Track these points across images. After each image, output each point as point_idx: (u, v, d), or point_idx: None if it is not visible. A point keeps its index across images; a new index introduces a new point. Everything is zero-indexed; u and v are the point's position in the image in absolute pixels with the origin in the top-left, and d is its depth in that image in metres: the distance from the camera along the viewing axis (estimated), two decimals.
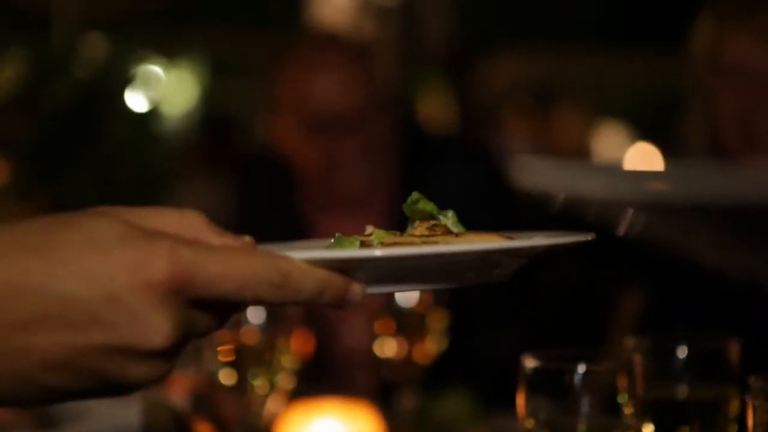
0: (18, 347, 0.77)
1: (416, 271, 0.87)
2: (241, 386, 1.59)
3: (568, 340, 1.24)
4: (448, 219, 0.93)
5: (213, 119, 5.10)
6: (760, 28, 1.93)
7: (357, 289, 0.84)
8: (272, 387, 1.60)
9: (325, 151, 2.46)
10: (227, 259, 0.79)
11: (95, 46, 3.76)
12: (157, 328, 0.78)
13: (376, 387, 2.17)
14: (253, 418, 1.61)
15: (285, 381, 1.61)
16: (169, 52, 4.21)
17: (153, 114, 3.72)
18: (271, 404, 1.61)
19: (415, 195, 0.93)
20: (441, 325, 1.80)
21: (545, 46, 7.87)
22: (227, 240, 0.83)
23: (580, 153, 6.30)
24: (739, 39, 1.93)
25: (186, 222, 0.83)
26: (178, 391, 1.77)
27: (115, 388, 0.81)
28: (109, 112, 3.56)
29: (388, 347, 1.78)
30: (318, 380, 2.06)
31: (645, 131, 6.92)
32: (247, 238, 0.84)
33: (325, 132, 2.45)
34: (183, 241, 0.79)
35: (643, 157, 6.54)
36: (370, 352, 1.80)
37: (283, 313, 1.62)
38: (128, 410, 1.70)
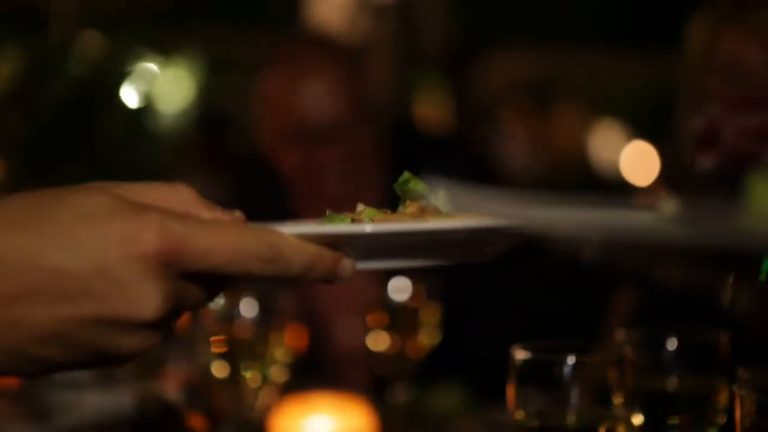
0: (10, 320, 0.78)
1: (406, 247, 0.87)
2: (234, 379, 1.60)
3: (563, 334, 1.24)
4: (439, 199, 0.93)
5: (209, 117, 5.10)
6: (755, 27, 1.93)
7: (347, 264, 0.84)
8: (265, 380, 1.61)
9: (307, 161, 2.44)
10: (217, 233, 0.80)
11: (91, 44, 3.76)
12: (147, 299, 0.78)
13: (368, 381, 2.17)
14: (246, 411, 1.61)
15: (278, 374, 1.62)
16: (165, 49, 4.21)
17: (149, 111, 3.73)
18: (264, 397, 1.61)
19: (406, 174, 0.93)
20: (433, 320, 1.80)
21: (543, 45, 7.87)
22: (217, 214, 0.83)
23: (578, 151, 6.30)
24: (734, 37, 1.93)
25: (176, 196, 0.83)
26: (171, 384, 1.77)
27: (107, 359, 0.82)
28: (105, 109, 3.57)
29: (380, 341, 1.79)
30: (311, 374, 2.06)
31: (643, 130, 6.93)
32: (238, 213, 0.84)
33: (305, 142, 2.43)
34: (173, 214, 0.80)
35: (639, 156, 6.55)
36: (363, 346, 1.80)
37: (276, 306, 1.62)
38: (121, 402, 1.70)
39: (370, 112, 2.51)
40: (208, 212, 0.83)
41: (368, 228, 0.83)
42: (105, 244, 0.78)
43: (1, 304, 0.78)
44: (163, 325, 0.80)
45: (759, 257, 0.59)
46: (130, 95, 3.68)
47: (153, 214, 0.79)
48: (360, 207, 0.89)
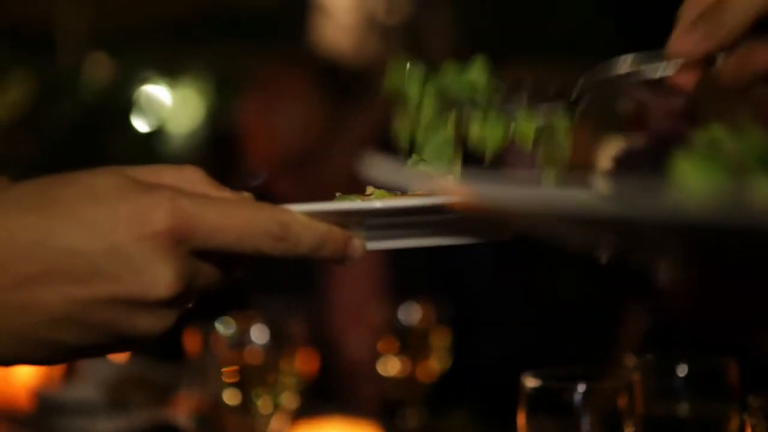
0: (21, 303, 0.77)
1: (416, 224, 0.86)
2: (246, 406, 1.60)
3: (573, 358, 1.24)
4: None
5: (219, 138, 5.10)
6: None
7: (358, 243, 0.84)
8: (276, 406, 1.60)
9: (293, 185, 2.44)
10: (227, 210, 0.80)
11: (100, 67, 3.78)
12: (160, 277, 0.78)
13: (379, 405, 2.17)
14: None
15: (289, 400, 1.61)
16: (174, 71, 4.22)
17: (158, 134, 3.74)
18: (276, 424, 1.61)
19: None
20: (444, 343, 1.80)
21: (551, 62, 7.88)
22: (226, 194, 0.83)
23: (588, 168, 6.29)
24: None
25: (185, 177, 0.84)
26: (182, 411, 1.77)
27: (123, 341, 0.81)
28: (114, 132, 3.58)
29: (391, 366, 1.79)
30: (322, 399, 2.06)
31: None
32: (246, 194, 0.84)
33: (287, 168, 2.44)
34: (183, 192, 0.79)
35: None
36: (374, 370, 1.81)
37: (287, 332, 1.62)
38: (132, 429, 1.70)
39: (358, 130, 2.50)
40: (216, 192, 0.83)
41: (378, 203, 0.82)
42: (115, 223, 0.77)
43: (12, 286, 0.77)
44: (177, 304, 0.80)
45: (683, 231, 0.61)
46: (139, 118, 3.69)
47: (162, 192, 0.78)
48: (369, 189, 0.87)
